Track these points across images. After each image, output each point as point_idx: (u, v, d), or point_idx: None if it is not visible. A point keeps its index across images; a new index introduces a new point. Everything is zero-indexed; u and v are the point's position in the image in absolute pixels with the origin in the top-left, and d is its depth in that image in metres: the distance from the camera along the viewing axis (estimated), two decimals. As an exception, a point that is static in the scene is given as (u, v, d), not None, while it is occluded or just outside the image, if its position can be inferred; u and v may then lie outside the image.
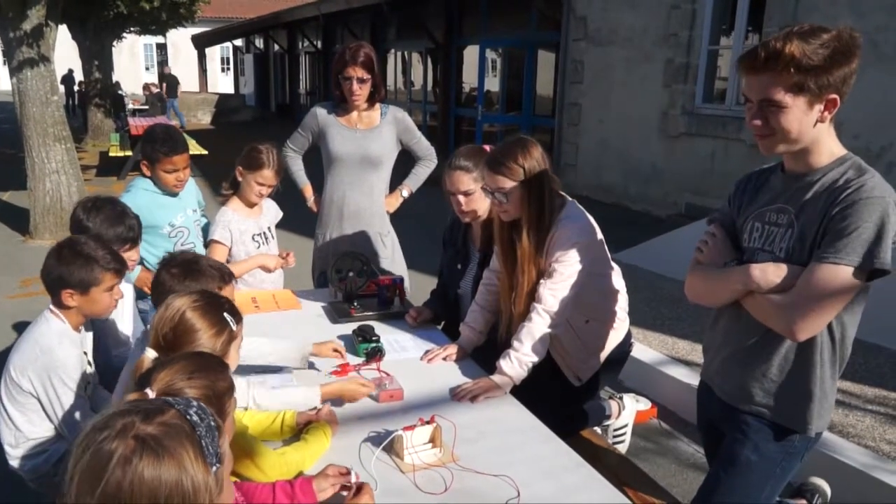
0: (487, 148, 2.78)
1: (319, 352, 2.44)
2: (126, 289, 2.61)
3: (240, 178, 3.26)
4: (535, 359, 2.35)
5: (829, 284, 1.60)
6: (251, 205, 3.31)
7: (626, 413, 3.07)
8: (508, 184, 2.37)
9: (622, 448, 3.02)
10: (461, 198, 2.70)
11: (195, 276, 2.02)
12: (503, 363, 2.32)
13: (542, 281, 2.39)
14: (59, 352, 2.21)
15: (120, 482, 0.93)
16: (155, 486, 0.95)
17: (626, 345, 2.73)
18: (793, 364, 1.76)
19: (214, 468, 1.02)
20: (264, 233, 3.37)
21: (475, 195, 2.69)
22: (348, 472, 1.64)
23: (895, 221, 1.58)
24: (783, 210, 1.74)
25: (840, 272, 1.58)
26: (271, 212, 3.46)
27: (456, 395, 2.24)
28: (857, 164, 1.68)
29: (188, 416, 1.03)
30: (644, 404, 3.52)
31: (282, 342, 2.40)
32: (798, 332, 1.66)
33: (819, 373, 1.74)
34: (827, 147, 1.68)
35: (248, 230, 3.29)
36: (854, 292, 1.63)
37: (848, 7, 6.19)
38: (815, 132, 1.64)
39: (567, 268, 2.35)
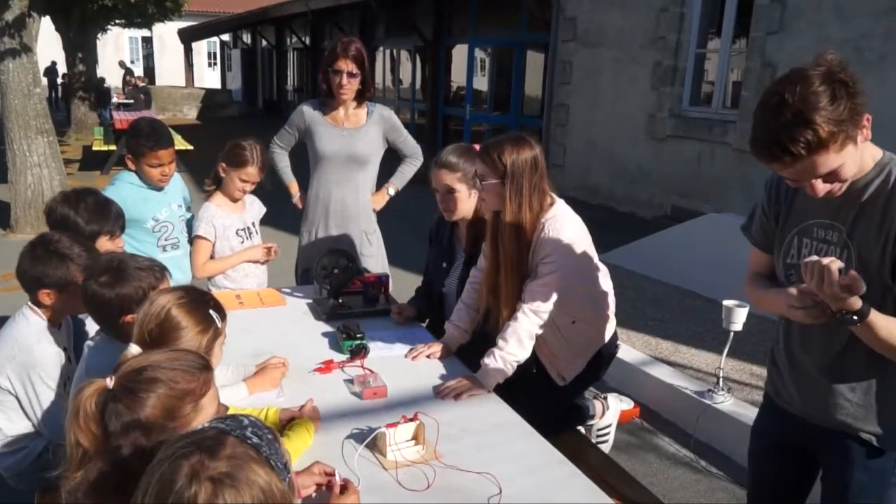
0: (477, 147, 2.78)
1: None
2: None
3: (223, 175, 3.23)
4: (520, 358, 2.35)
5: None
6: (234, 200, 3.29)
7: (610, 413, 3.09)
8: (488, 175, 2.37)
9: (605, 448, 3.03)
10: (444, 195, 2.71)
11: (126, 281, 1.96)
12: (488, 361, 2.32)
13: (527, 281, 2.39)
14: (37, 350, 2.18)
15: None
16: None
17: (611, 346, 2.74)
18: (888, 385, 1.67)
19: (286, 479, 1.08)
20: (248, 228, 3.35)
21: (459, 194, 2.69)
22: (333, 474, 1.64)
23: None
24: (832, 227, 1.65)
25: None
26: (255, 207, 3.44)
27: (439, 392, 2.23)
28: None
29: (248, 441, 1.08)
30: (627, 404, 3.54)
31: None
32: None
33: None
34: (863, 153, 1.58)
35: (231, 225, 3.28)
36: None
37: (833, 12, 6.24)
38: (859, 152, 1.55)
39: (554, 268, 2.35)
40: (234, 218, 3.29)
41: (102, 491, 1.29)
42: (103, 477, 1.29)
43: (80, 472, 1.30)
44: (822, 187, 1.54)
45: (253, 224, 3.40)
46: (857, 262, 1.59)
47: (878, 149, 1.61)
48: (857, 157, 1.53)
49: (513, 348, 2.33)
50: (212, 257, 3.27)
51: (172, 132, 3.59)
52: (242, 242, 3.31)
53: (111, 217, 2.61)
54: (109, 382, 1.31)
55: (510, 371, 2.33)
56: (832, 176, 1.52)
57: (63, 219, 2.55)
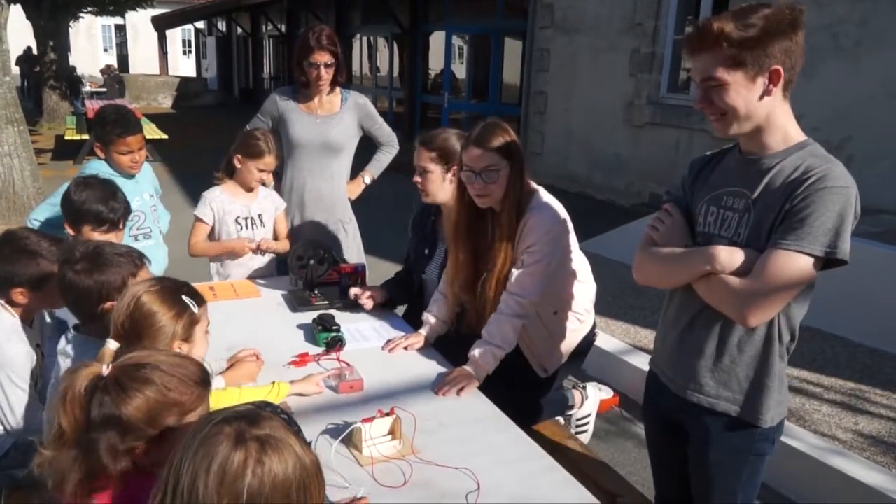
0: (454, 131, 2.73)
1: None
2: None
3: (238, 165, 3.19)
4: (508, 349, 2.33)
5: (787, 272, 1.56)
6: (249, 189, 3.25)
7: (589, 403, 3.07)
8: (500, 162, 2.31)
9: (585, 438, 3.01)
10: (420, 174, 2.67)
11: (104, 268, 1.91)
12: (477, 353, 2.28)
13: (513, 270, 2.36)
14: (8, 349, 2.14)
15: (260, 481, 1.03)
16: (285, 476, 1.05)
17: (590, 336, 2.73)
18: (744, 354, 1.71)
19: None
20: (252, 218, 3.28)
21: (431, 175, 2.65)
22: None
23: (855, 212, 1.57)
24: (739, 194, 1.70)
25: (799, 260, 1.55)
26: (267, 201, 3.35)
27: (439, 390, 2.18)
28: (817, 150, 1.63)
29: (281, 416, 1.16)
30: (606, 393, 3.53)
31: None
32: (750, 318, 1.62)
33: (771, 362, 1.70)
34: (781, 126, 1.65)
35: (232, 211, 3.23)
36: (809, 281, 1.60)
37: (809, -1, 6.25)
38: (764, 107, 1.61)
39: (539, 257, 2.33)
40: (237, 205, 3.24)
41: (71, 484, 1.28)
42: (73, 472, 1.28)
43: (50, 451, 1.30)
44: (699, 103, 1.66)
45: (260, 216, 3.31)
46: (752, 227, 1.65)
47: (801, 132, 1.67)
48: (750, 99, 1.60)
49: (500, 340, 2.30)
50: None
51: (147, 121, 3.52)
52: (241, 230, 3.26)
53: (121, 201, 2.63)
54: (105, 369, 1.31)
55: (497, 363, 2.30)
56: (714, 93, 1.61)
57: (91, 211, 2.57)
